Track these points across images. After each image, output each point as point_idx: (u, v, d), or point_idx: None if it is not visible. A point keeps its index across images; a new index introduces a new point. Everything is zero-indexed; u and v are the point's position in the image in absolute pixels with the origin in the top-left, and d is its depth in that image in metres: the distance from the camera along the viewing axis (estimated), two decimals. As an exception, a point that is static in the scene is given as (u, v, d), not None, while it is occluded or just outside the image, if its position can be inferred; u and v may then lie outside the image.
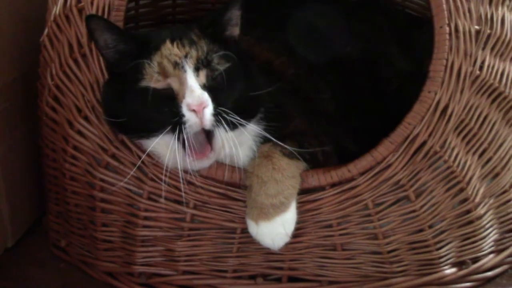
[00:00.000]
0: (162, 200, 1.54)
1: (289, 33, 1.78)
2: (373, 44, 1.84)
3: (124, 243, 1.63)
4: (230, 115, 1.38)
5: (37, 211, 1.91)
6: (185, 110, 1.36)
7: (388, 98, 1.78)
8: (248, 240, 1.54)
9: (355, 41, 1.82)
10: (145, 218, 1.58)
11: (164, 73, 1.37)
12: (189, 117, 1.36)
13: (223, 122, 1.38)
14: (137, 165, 1.51)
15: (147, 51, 1.39)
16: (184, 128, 1.36)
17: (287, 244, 1.50)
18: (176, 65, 1.37)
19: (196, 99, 1.35)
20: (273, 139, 1.47)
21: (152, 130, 1.40)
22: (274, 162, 1.48)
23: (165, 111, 1.37)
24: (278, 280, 1.60)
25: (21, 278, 1.71)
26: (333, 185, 1.53)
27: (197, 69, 1.37)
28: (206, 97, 1.36)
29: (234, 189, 1.53)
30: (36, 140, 1.79)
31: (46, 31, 1.66)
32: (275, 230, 1.48)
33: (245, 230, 1.53)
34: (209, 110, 1.36)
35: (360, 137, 1.67)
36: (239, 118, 1.39)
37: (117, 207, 1.60)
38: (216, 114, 1.37)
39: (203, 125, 1.37)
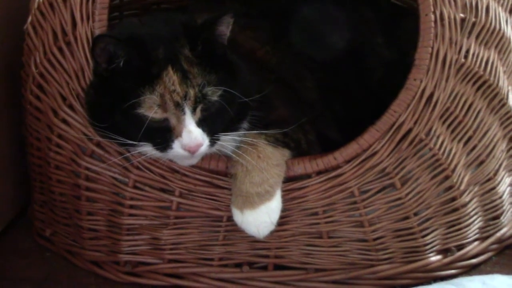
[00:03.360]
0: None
1: (274, 23, 1.78)
2: (358, 34, 1.84)
3: (110, 232, 1.62)
4: (223, 134, 1.42)
5: (21, 201, 1.90)
6: (177, 146, 1.38)
7: (373, 88, 1.78)
8: (234, 228, 1.54)
9: (341, 31, 1.82)
10: (131, 206, 1.58)
11: (164, 108, 1.37)
12: (179, 152, 1.38)
13: (215, 144, 1.42)
14: (124, 155, 1.50)
15: (149, 75, 1.37)
16: (171, 152, 1.39)
17: (272, 232, 1.50)
18: (177, 105, 1.36)
19: (193, 141, 1.37)
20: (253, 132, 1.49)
21: (137, 146, 1.41)
22: (259, 151, 1.48)
23: (157, 138, 1.39)
24: (264, 268, 1.61)
25: (6, 267, 1.70)
26: (319, 172, 1.53)
27: (194, 109, 1.38)
28: (202, 138, 1.38)
29: (219, 177, 1.53)
30: (20, 129, 1.77)
31: (29, 19, 1.65)
32: (260, 218, 1.48)
33: (231, 218, 1.53)
34: (204, 146, 1.39)
35: (345, 126, 1.68)
36: (230, 133, 1.44)
37: (102, 195, 1.59)
38: (211, 144, 1.40)
39: (195, 156, 1.41)
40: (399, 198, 1.55)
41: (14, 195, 1.88)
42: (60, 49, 1.56)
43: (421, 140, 1.52)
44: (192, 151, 1.37)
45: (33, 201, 1.81)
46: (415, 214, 1.58)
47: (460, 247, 1.65)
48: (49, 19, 1.58)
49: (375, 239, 1.58)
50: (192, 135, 1.36)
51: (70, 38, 1.54)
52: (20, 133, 1.78)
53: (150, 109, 1.36)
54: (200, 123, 1.38)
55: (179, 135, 1.37)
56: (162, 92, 1.36)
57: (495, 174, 1.66)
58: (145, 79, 1.36)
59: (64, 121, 1.58)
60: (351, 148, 1.52)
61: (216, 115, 1.40)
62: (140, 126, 1.36)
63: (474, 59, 1.54)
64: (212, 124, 1.39)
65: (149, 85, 1.36)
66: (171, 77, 1.37)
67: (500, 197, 1.69)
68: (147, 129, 1.36)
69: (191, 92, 1.37)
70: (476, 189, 1.63)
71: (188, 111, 1.36)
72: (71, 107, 1.56)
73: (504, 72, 1.62)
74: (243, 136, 1.49)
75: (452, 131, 1.55)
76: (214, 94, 1.39)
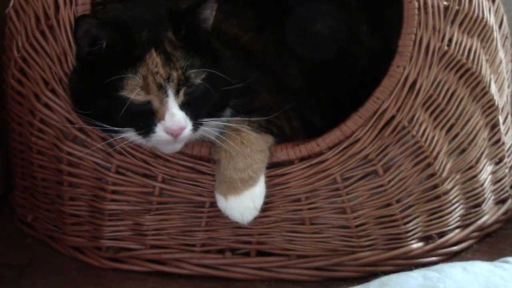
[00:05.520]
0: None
1: (258, 10, 1.78)
2: (342, 22, 1.84)
3: (92, 217, 1.61)
4: (205, 120, 1.41)
5: (2, 186, 1.89)
6: (159, 130, 1.37)
7: (357, 75, 1.78)
8: (216, 214, 1.55)
9: (324, 18, 1.82)
10: (113, 192, 1.58)
11: (147, 90, 1.36)
12: (162, 135, 1.37)
13: (199, 128, 1.41)
14: (108, 141, 1.49)
15: (132, 58, 1.37)
16: (154, 137, 1.38)
17: (255, 218, 1.50)
18: (160, 87, 1.36)
19: (176, 123, 1.36)
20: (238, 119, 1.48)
21: (120, 132, 1.40)
22: (243, 136, 1.48)
23: (140, 122, 1.38)
24: (247, 254, 1.61)
25: (-13, 253, 1.70)
26: (301, 159, 1.53)
27: (177, 91, 1.37)
28: (185, 121, 1.37)
29: (202, 163, 1.52)
30: (1, 114, 1.76)
31: (12, 2, 1.64)
32: (244, 204, 1.49)
33: (213, 204, 1.53)
34: (187, 130, 1.38)
35: (329, 113, 1.68)
36: (214, 119, 1.44)
37: (85, 181, 1.59)
38: (194, 128, 1.39)
39: (178, 141, 1.40)
40: (382, 185, 1.56)
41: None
42: (43, 33, 1.55)
43: (404, 127, 1.53)
44: (175, 135, 1.37)
45: (15, 186, 1.80)
46: (397, 201, 1.58)
47: (441, 235, 1.66)
48: (31, 3, 1.57)
49: (357, 226, 1.59)
50: (175, 118, 1.36)
51: (52, 22, 1.53)
52: (1, 118, 1.77)
53: (133, 91, 1.35)
54: (183, 106, 1.37)
55: (162, 118, 1.36)
56: (145, 74, 1.35)
57: (476, 162, 1.67)
58: (128, 61, 1.36)
59: (47, 105, 1.57)
60: (334, 135, 1.52)
61: (200, 99, 1.39)
62: (123, 109, 1.35)
63: (457, 47, 1.55)
64: (195, 108, 1.39)
65: (132, 67, 1.36)
66: (154, 59, 1.36)
67: (482, 185, 1.70)
68: (130, 112, 1.35)
69: (174, 74, 1.36)
70: (458, 176, 1.64)
71: (171, 93, 1.36)
72: (53, 91, 1.55)
73: (487, 60, 1.63)
74: (226, 122, 1.49)
75: (435, 119, 1.56)
76: (197, 77, 1.38)
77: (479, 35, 1.60)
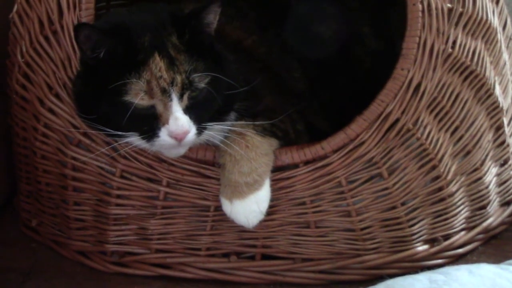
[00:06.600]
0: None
1: (261, 13, 1.78)
2: (344, 24, 1.84)
3: (97, 222, 1.61)
4: (210, 124, 1.41)
5: (7, 191, 1.89)
6: (163, 134, 1.36)
7: (360, 78, 1.78)
8: (221, 218, 1.54)
9: (327, 21, 1.82)
10: (118, 196, 1.58)
11: (150, 94, 1.36)
12: (166, 140, 1.37)
13: (203, 132, 1.40)
14: (112, 145, 1.50)
15: (135, 62, 1.36)
16: (158, 141, 1.38)
17: (261, 222, 1.50)
18: (164, 91, 1.36)
19: (180, 128, 1.36)
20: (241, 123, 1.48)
21: (124, 136, 1.40)
22: (247, 140, 1.48)
23: (144, 126, 1.38)
24: (252, 258, 1.61)
25: (-9, 258, 1.70)
26: (306, 162, 1.53)
27: (181, 95, 1.37)
28: (189, 125, 1.37)
29: (207, 167, 1.52)
30: (6, 119, 1.76)
31: (15, 7, 1.64)
32: (249, 208, 1.49)
33: (218, 208, 1.53)
34: (191, 134, 1.37)
35: (332, 116, 1.68)
36: (218, 123, 1.43)
37: (89, 185, 1.59)
38: (198, 132, 1.39)
39: (183, 145, 1.39)
40: (386, 188, 1.56)
41: (0, 186, 1.87)
42: (47, 38, 1.55)
43: (408, 130, 1.53)
44: (179, 139, 1.36)
45: (19, 191, 1.80)
46: (402, 204, 1.58)
47: (446, 237, 1.66)
48: (35, 8, 1.57)
49: (362, 229, 1.58)
50: (179, 122, 1.35)
51: (56, 27, 1.53)
52: (5, 122, 1.77)
53: (137, 95, 1.35)
54: (187, 110, 1.37)
55: (166, 122, 1.36)
56: (149, 78, 1.35)
57: (481, 164, 1.66)
58: (131, 66, 1.36)
59: (51, 110, 1.57)
60: (339, 138, 1.52)
61: (203, 103, 1.39)
62: (127, 114, 1.35)
63: (461, 49, 1.55)
64: (199, 112, 1.39)
65: (136, 72, 1.35)
66: (158, 64, 1.36)
67: (487, 187, 1.70)
68: (134, 117, 1.35)
69: (178, 78, 1.36)
70: (462, 179, 1.64)
71: (175, 97, 1.36)
72: (57, 96, 1.55)
73: (491, 62, 1.63)
74: (231, 126, 1.49)
75: (439, 121, 1.56)
76: (201, 81, 1.38)
77: (483, 37, 1.60)
